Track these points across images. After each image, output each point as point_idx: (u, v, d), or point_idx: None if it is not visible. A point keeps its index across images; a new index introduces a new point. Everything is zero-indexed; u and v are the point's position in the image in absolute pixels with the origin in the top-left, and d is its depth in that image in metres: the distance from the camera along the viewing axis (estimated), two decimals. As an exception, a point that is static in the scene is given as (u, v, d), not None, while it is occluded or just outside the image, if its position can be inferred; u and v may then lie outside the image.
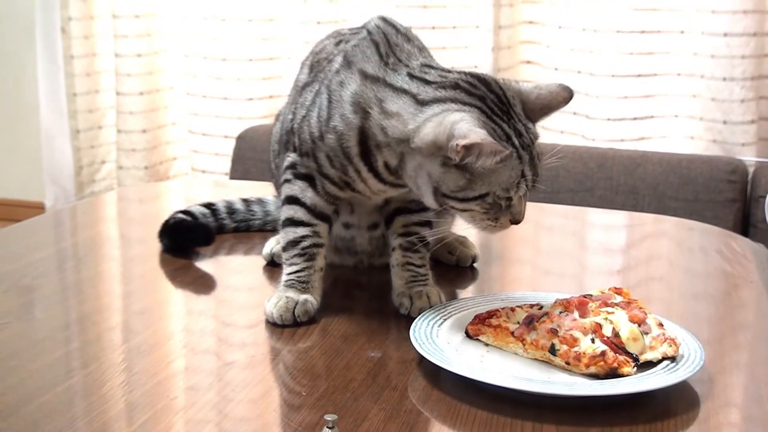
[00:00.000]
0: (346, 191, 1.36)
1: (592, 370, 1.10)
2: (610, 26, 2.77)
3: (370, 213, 1.44)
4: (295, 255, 1.36)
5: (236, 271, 1.61)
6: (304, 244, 1.36)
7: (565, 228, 1.92)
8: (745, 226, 2.55)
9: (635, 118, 2.82)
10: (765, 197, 2.49)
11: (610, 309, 1.18)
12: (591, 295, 1.23)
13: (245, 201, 1.73)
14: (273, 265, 1.54)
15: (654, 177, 2.54)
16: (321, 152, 1.33)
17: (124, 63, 3.33)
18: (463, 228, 1.59)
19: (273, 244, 1.56)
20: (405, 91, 1.26)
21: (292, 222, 1.38)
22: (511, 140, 1.20)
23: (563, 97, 1.27)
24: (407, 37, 1.34)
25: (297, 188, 1.37)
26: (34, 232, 1.78)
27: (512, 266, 1.42)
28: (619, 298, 1.23)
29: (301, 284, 1.34)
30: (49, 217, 2.44)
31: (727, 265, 1.66)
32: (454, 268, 1.55)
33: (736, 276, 1.60)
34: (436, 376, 1.15)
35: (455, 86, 1.24)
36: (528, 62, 2.98)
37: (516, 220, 1.24)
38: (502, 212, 1.23)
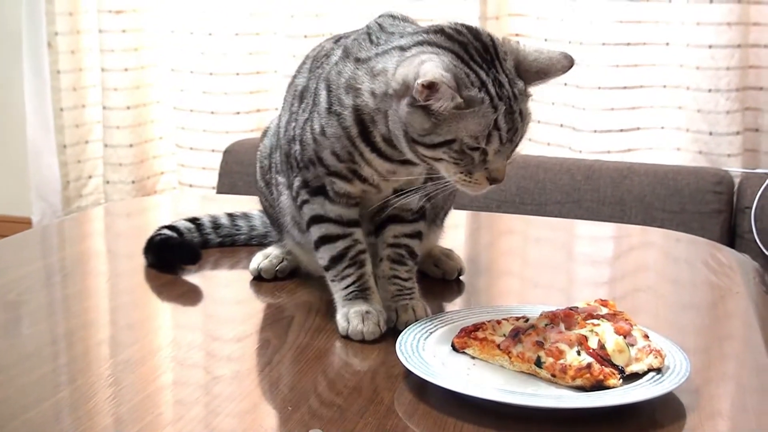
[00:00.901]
0: (355, 184, 1.33)
1: (578, 382, 1.11)
2: (596, 39, 2.78)
3: (370, 219, 1.44)
4: (345, 267, 1.35)
5: (223, 285, 1.61)
6: (351, 253, 1.35)
7: (552, 240, 1.92)
8: (731, 237, 2.56)
9: (622, 130, 2.83)
10: (751, 208, 2.50)
11: (595, 321, 1.18)
12: (577, 308, 1.24)
13: (230, 216, 1.73)
14: (260, 280, 1.54)
15: (641, 188, 2.55)
16: (325, 149, 1.32)
17: (110, 77, 3.33)
18: (448, 240, 1.59)
19: (260, 259, 1.56)
20: (392, 48, 1.25)
21: (326, 240, 1.36)
22: (486, 87, 1.18)
23: (562, 65, 1.25)
24: (404, 20, 1.34)
25: (317, 206, 1.36)
26: (21, 248, 1.78)
27: (500, 279, 1.42)
28: (605, 310, 1.23)
29: (363, 291, 1.33)
30: (36, 232, 2.44)
31: (713, 276, 1.66)
32: (440, 281, 1.56)
33: (722, 287, 1.60)
34: (423, 389, 1.14)
35: (438, 31, 1.23)
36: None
37: (493, 178, 1.21)
38: (475, 166, 1.20)
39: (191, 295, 1.54)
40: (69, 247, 1.90)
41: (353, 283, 1.34)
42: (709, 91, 2.70)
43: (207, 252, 1.66)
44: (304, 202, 1.37)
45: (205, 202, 2.43)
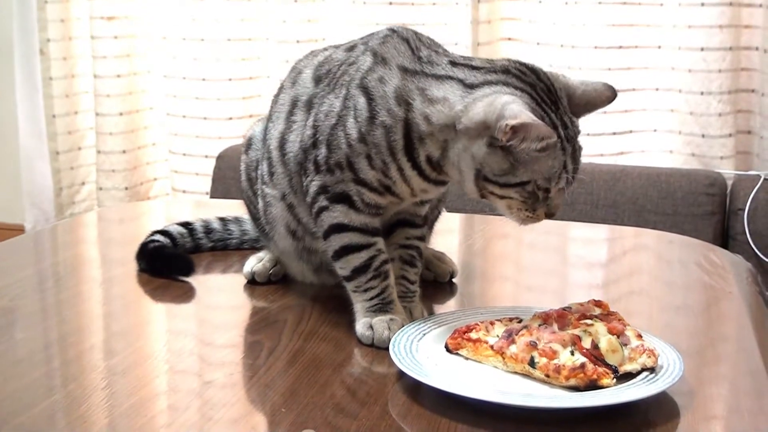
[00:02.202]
0: (386, 196, 1.33)
1: (572, 382, 1.10)
2: (588, 42, 2.79)
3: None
4: (369, 279, 1.33)
5: (215, 290, 1.61)
6: (375, 264, 1.33)
7: (546, 243, 1.92)
8: (724, 238, 2.56)
9: (614, 133, 2.83)
10: (744, 210, 2.51)
11: (589, 321, 1.18)
12: (570, 308, 1.24)
13: (222, 220, 1.73)
14: (254, 284, 1.54)
15: (634, 191, 2.55)
16: (359, 156, 1.30)
17: (103, 84, 3.33)
18: (441, 244, 1.59)
19: (254, 263, 1.55)
20: (450, 77, 1.26)
21: (349, 249, 1.34)
22: (558, 130, 1.21)
23: (606, 96, 1.29)
24: (431, 39, 1.35)
25: (338, 213, 1.33)
26: (14, 253, 1.77)
27: (494, 282, 1.42)
28: (598, 311, 1.23)
29: (387, 305, 1.32)
30: (29, 237, 2.43)
31: (706, 277, 1.66)
32: (432, 284, 1.55)
33: (715, 288, 1.60)
34: (416, 390, 1.14)
35: (505, 71, 1.25)
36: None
37: (551, 213, 1.25)
38: (539, 203, 1.24)
39: (184, 300, 1.54)
40: (62, 252, 1.90)
41: (377, 296, 1.33)
42: (702, 93, 2.71)
43: (199, 256, 1.66)
44: (323, 208, 1.35)
45: (198, 207, 2.43)
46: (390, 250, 1.39)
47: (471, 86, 1.24)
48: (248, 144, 1.58)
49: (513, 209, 1.25)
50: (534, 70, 1.26)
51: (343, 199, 1.33)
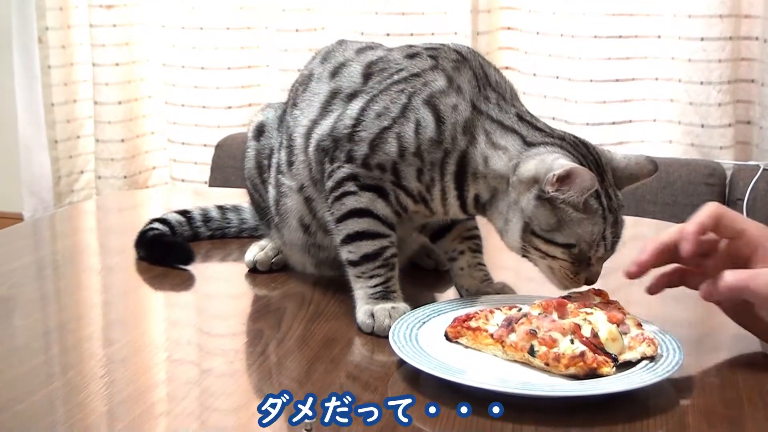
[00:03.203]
0: (419, 205, 1.35)
1: (572, 370, 1.10)
2: (588, 32, 2.78)
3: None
4: (377, 267, 1.33)
5: (215, 278, 1.61)
6: (386, 254, 1.34)
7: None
8: (723, 228, 2.55)
9: (614, 123, 2.83)
10: (743, 200, 2.50)
11: (588, 310, 1.18)
12: (570, 297, 1.24)
13: (220, 208, 1.72)
14: (255, 272, 1.54)
15: (633, 181, 2.55)
16: (410, 167, 1.32)
17: (101, 72, 3.32)
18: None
19: (256, 251, 1.55)
20: (514, 131, 1.29)
21: (364, 235, 1.34)
22: (600, 198, 1.25)
23: (649, 169, 1.34)
24: (498, 73, 1.38)
25: (366, 200, 1.34)
26: (12, 241, 1.77)
27: (494, 271, 1.42)
28: (597, 299, 1.23)
29: (390, 293, 1.33)
30: (27, 225, 2.43)
31: (705, 266, 1.66)
32: (433, 272, 1.55)
33: (714, 277, 1.60)
34: (416, 379, 1.14)
35: (562, 138, 1.29)
36: (506, 68, 2.98)
37: (591, 281, 1.28)
38: (582, 268, 1.27)
39: (183, 288, 1.54)
40: (60, 241, 1.89)
41: (381, 283, 1.33)
42: (701, 83, 2.71)
43: (197, 245, 1.65)
44: (349, 193, 1.34)
45: (197, 196, 2.43)
46: (455, 245, 1.43)
47: (529, 144, 1.28)
48: (259, 130, 1.57)
49: (555, 270, 1.27)
50: (585, 144, 1.30)
51: (376, 189, 1.34)
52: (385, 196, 1.34)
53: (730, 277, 1.17)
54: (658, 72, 2.79)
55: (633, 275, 1.23)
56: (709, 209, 1.22)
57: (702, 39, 2.68)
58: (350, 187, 1.34)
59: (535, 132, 1.30)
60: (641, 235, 1.91)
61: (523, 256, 1.29)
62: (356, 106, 1.35)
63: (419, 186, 1.33)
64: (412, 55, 1.38)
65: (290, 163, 1.45)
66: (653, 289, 1.27)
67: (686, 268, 1.27)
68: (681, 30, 2.71)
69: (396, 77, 1.35)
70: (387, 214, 1.35)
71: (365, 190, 1.34)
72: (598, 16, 2.78)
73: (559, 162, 1.22)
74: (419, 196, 1.34)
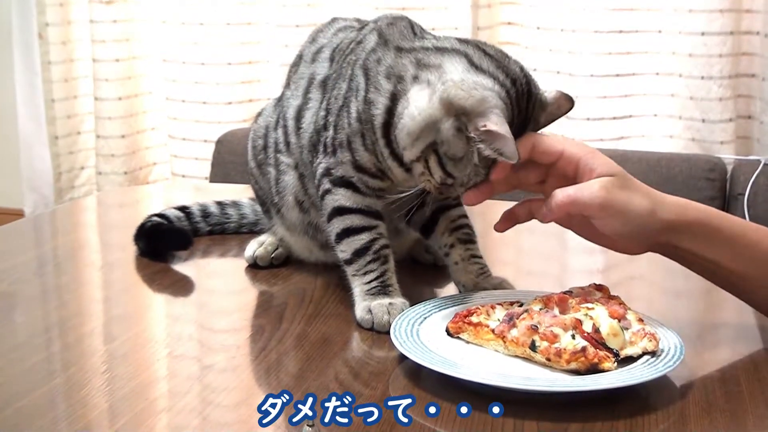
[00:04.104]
0: (386, 182, 1.34)
1: (573, 366, 1.10)
2: (588, 27, 2.78)
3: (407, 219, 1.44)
4: (369, 262, 1.33)
5: (214, 274, 1.61)
6: (375, 247, 1.33)
7: (545, 227, 1.91)
8: (724, 223, 2.55)
9: (614, 118, 2.83)
10: (744, 195, 2.50)
11: (590, 305, 1.18)
12: (571, 292, 1.23)
13: (220, 204, 1.72)
14: (255, 268, 1.54)
15: (634, 176, 2.54)
16: (357, 134, 1.31)
17: (102, 68, 3.32)
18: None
19: (255, 247, 1.55)
20: (458, 51, 1.26)
21: (350, 232, 1.34)
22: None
23: (567, 108, 1.30)
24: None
25: (340, 197, 1.34)
26: (13, 237, 1.77)
27: (494, 266, 1.42)
28: (599, 295, 1.23)
29: (386, 288, 1.32)
30: (28, 221, 2.43)
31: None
32: (432, 267, 1.55)
33: (715, 272, 1.60)
34: (417, 374, 1.14)
35: (513, 82, 1.24)
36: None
37: (440, 197, 1.30)
38: (444, 189, 1.25)
39: (183, 284, 1.54)
40: (61, 237, 1.89)
41: (376, 278, 1.33)
42: (702, 78, 2.71)
43: (197, 240, 1.65)
44: (326, 191, 1.36)
45: (197, 191, 2.43)
46: (444, 239, 1.40)
47: (477, 68, 1.23)
48: (259, 113, 1.60)
49: (423, 178, 1.25)
50: (529, 87, 1.25)
51: (345, 183, 1.34)
52: (356, 189, 1.34)
53: (559, 195, 1.19)
54: (658, 67, 2.79)
55: (468, 201, 1.26)
56: (521, 141, 1.20)
57: (703, 34, 2.68)
58: (326, 184, 1.36)
59: (484, 57, 1.25)
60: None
61: (410, 161, 1.26)
62: (327, 95, 1.38)
63: (368, 157, 1.32)
64: (362, 26, 1.41)
65: (287, 143, 1.47)
66: (500, 227, 1.28)
67: (529, 200, 1.27)
68: (682, 25, 2.71)
69: (347, 51, 1.38)
70: (367, 204, 1.35)
71: (338, 185, 1.35)
72: (598, 11, 2.78)
73: (495, 116, 1.18)
74: (377, 170, 1.33)
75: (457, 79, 1.22)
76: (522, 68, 1.27)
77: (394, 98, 1.27)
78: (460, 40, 1.29)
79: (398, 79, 1.27)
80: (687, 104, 2.74)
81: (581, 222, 1.25)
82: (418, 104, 1.23)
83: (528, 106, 1.24)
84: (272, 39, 3.14)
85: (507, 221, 1.28)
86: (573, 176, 1.22)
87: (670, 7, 2.74)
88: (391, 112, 1.27)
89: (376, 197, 1.35)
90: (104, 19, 3.30)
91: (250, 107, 3.19)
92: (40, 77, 3.39)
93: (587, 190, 1.19)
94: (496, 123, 1.17)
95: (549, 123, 1.29)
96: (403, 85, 1.26)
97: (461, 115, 1.20)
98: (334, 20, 1.50)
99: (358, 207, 1.34)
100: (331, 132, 1.35)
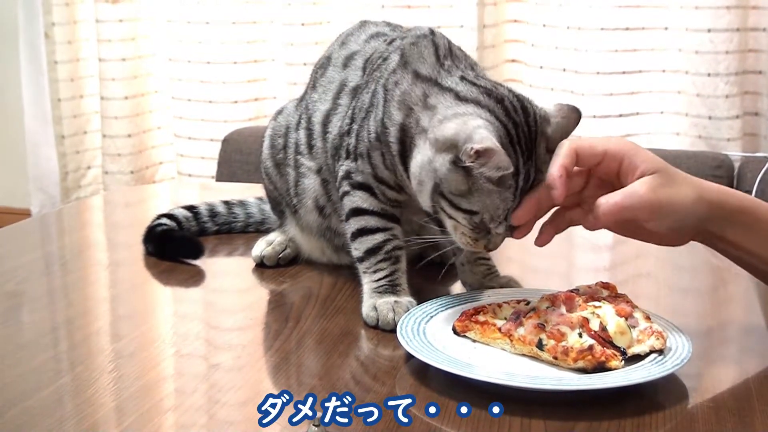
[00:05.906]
0: (403, 194, 1.35)
1: (580, 364, 1.10)
2: (595, 24, 2.78)
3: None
4: (380, 261, 1.34)
5: (222, 273, 1.61)
6: (388, 247, 1.35)
7: (552, 225, 1.92)
8: (731, 220, 2.55)
9: (621, 115, 2.82)
10: (751, 192, 2.50)
11: (597, 303, 1.18)
12: (578, 290, 1.23)
13: (227, 203, 1.72)
14: (261, 267, 1.54)
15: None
16: (376, 151, 1.33)
17: (108, 67, 3.33)
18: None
19: (263, 246, 1.55)
20: (450, 90, 1.26)
21: (365, 231, 1.36)
22: (518, 177, 1.21)
23: (575, 119, 1.28)
24: (462, 51, 1.36)
25: (358, 199, 1.36)
26: (20, 237, 1.77)
27: (500, 264, 1.42)
28: (606, 293, 1.23)
29: (394, 287, 1.32)
30: (35, 221, 2.43)
31: (714, 258, 1.65)
32: (438, 266, 1.55)
33: (723, 270, 1.59)
34: (424, 373, 1.14)
35: (500, 101, 1.24)
36: (513, 60, 2.98)
37: (489, 249, 1.27)
38: (481, 236, 1.24)
39: (190, 283, 1.53)
40: (68, 236, 1.90)
41: (385, 277, 1.33)
42: (709, 75, 2.70)
43: (204, 240, 1.65)
44: (345, 193, 1.38)
45: (204, 190, 2.43)
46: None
47: (462, 99, 1.24)
48: (278, 111, 1.59)
49: (458, 232, 1.25)
50: (525, 110, 1.24)
51: (364, 187, 1.36)
52: (374, 194, 1.36)
53: (605, 204, 1.18)
54: (665, 64, 2.79)
55: (518, 236, 1.24)
56: (564, 148, 1.20)
57: (709, 30, 2.68)
58: (345, 186, 1.37)
59: (472, 88, 1.25)
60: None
61: (434, 213, 1.26)
62: (353, 104, 1.39)
63: (389, 174, 1.33)
64: (392, 40, 1.40)
65: (310, 146, 1.47)
66: (541, 240, 1.26)
67: (566, 207, 1.25)
68: (688, 21, 2.71)
69: (375, 65, 1.38)
70: (383, 208, 1.36)
71: (356, 188, 1.36)
72: (604, 8, 2.77)
73: (480, 134, 1.17)
74: (395, 185, 1.34)
75: (441, 117, 1.23)
76: (510, 90, 1.27)
77: (403, 130, 1.28)
78: (463, 77, 1.28)
79: (408, 111, 1.28)
80: (694, 101, 2.74)
81: (628, 225, 1.23)
82: (417, 159, 1.25)
83: (528, 120, 1.24)
84: (278, 37, 3.14)
85: (547, 234, 1.26)
86: (615, 175, 1.21)
87: (677, 4, 2.73)
88: (403, 143, 1.29)
89: (392, 206, 1.36)
90: (110, 18, 3.30)
91: (256, 106, 3.19)
92: (46, 77, 3.39)
93: (634, 196, 1.17)
94: (481, 141, 1.17)
95: (564, 136, 1.26)
96: (410, 120, 1.27)
97: (451, 148, 1.20)
98: (364, 23, 1.49)
99: (374, 209, 1.36)
100: (353, 140, 1.36)
